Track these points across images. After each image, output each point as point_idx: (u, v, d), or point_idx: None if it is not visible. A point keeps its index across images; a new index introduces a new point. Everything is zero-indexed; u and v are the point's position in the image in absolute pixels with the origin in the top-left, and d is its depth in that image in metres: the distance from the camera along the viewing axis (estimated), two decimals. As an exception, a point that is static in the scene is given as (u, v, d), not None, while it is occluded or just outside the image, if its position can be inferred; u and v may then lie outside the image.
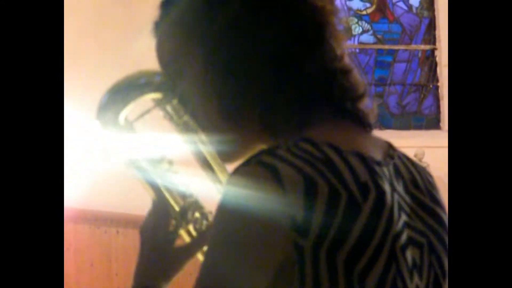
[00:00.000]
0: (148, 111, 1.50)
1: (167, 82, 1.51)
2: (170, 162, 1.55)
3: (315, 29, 1.31)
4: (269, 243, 1.13)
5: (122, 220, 6.32)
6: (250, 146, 1.38)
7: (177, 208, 1.51)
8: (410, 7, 8.63)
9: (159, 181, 1.52)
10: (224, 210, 1.16)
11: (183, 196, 1.53)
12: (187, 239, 1.50)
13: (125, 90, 1.53)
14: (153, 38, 1.47)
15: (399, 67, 8.41)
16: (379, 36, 8.59)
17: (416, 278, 1.24)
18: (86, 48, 7.28)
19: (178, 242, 1.48)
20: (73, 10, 6.88)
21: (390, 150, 1.35)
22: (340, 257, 1.11)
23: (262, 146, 1.35)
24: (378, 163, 1.25)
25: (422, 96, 8.49)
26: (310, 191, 1.12)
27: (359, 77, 1.35)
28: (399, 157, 1.36)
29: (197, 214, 1.52)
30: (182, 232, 1.51)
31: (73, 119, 5.70)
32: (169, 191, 1.53)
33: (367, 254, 1.14)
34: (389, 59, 8.50)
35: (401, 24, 8.70)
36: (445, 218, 1.40)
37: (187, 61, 1.40)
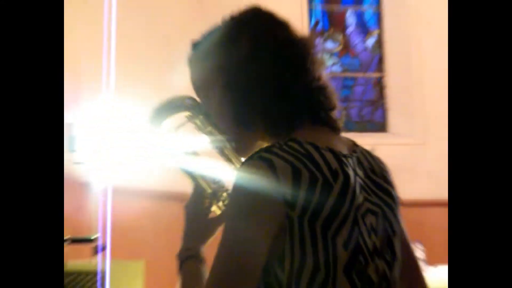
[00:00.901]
0: (182, 125, 1.84)
1: (195, 103, 1.82)
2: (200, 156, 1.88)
3: (300, 60, 1.65)
4: (268, 214, 1.44)
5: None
6: (255, 144, 1.70)
7: (209, 190, 1.80)
8: (366, 47, 9.82)
9: (196, 172, 1.82)
10: (236, 190, 1.49)
11: (213, 181, 1.81)
12: (218, 212, 1.80)
13: (164, 109, 1.85)
14: (188, 71, 1.81)
15: (358, 89, 9.88)
16: (344, 67, 9.97)
17: (373, 237, 1.56)
18: (140, 72, 7.88)
19: (211, 215, 1.81)
20: (126, 53, 7.61)
21: (354, 146, 1.68)
22: (318, 223, 1.44)
23: (262, 144, 1.66)
24: (345, 156, 1.55)
25: (374, 109, 9.75)
26: (296, 177, 1.44)
27: (333, 92, 1.68)
28: (361, 151, 1.68)
29: (224, 194, 1.80)
30: (214, 207, 1.80)
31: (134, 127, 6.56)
32: (203, 178, 1.82)
33: (337, 220, 1.46)
34: (351, 83, 9.89)
35: (359, 59, 9.99)
36: (394, 193, 1.72)
37: (211, 87, 1.71)
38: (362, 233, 1.52)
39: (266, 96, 1.60)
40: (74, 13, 6.81)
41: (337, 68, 9.79)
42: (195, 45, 1.77)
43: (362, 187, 1.57)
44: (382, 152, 1.75)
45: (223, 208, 1.78)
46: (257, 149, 1.56)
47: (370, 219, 1.57)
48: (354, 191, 1.51)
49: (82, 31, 6.98)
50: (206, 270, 1.63)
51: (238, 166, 1.71)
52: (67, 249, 5.00)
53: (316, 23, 9.93)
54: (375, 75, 9.81)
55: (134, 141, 6.55)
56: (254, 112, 1.62)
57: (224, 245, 1.46)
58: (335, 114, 1.67)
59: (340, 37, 9.94)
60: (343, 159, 1.53)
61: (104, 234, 6.30)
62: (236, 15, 1.73)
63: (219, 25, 1.74)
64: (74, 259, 5.36)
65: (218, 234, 1.67)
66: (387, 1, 9.71)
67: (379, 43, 9.76)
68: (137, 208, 7.22)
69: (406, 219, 1.76)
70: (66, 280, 4.94)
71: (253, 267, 1.45)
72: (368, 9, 10.04)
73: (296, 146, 1.49)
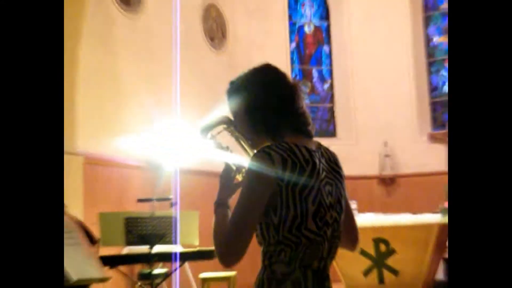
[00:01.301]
0: (220, 132, 2.40)
1: (229, 119, 2.33)
2: (231, 150, 2.37)
3: (291, 96, 2.18)
4: (265, 184, 2.01)
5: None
6: (261, 144, 2.17)
7: (234, 168, 2.32)
8: (323, 89, 13.84)
9: (227, 159, 2.34)
10: (249, 169, 2.06)
11: (236, 164, 2.33)
12: (239, 179, 2.29)
13: (210, 122, 2.37)
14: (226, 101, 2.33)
15: (319, 113, 13.64)
16: (311, 101, 13.47)
17: (330, 198, 2.12)
18: (198, 98, 9.98)
19: (235, 181, 2.32)
20: (188, 94, 10.14)
21: (319, 145, 2.21)
22: (296, 189, 2.01)
23: (265, 143, 2.13)
24: (313, 151, 2.10)
25: (328, 124, 13.54)
26: (284, 162, 2.00)
27: (309, 115, 2.21)
28: (323, 148, 2.22)
29: (243, 170, 2.29)
30: (237, 176, 2.31)
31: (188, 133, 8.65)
32: (231, 162, 2.33)
33: (308, 188, 2.03)
34: (315, 110, 13.47)
35: (319, 96, 13.82)
36: (342, 172, 2.25)
37: (239, 111, 2.26)
38: (323, 195, 2.09)
39: (270, 118, 2.17)
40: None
41: (307, 101, 12.77)
42: (232, 84, 2.30)
43: (323, 169, 2.13)
44: (334, 149, 2.30)
45: (241, 177, 2.27)
46: (262, 146, 2.10)
47: (328, 187, 2.13)
48: (318, 171, 2.09)
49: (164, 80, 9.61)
50: (230, 213, 2.16)
51: (251, 155, 2.18)
52: (157, 203, 7.34)
53: (295, 76, 13.32)
54: (328, 105, 13.84)
55: (195, 142, 7.21)
56: (262, 127, 2.19)
57: (239, 201, 2.06)
58: (310, 127, 2.22)
59: (308, 83, 13.71)
60: (312, 153, 2.11)
61: (175, 195, 8.68)
62: (255, 67, 2.28)
63: (245, 72, 2.28)
64: (161, 210, 7.39)
65: (238, 192, 2.14)
66: (336, 62, 13.79)
67: (331, 86, 13.84)
68: (194, 181, 9.82)
69: (348, 187, 2.28)
70: (156, 222, 6.63)
71: (253, 214, 2.05)
72: (324, 68, 13.91)
73: (285, 145, 2.06)
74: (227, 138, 2.40)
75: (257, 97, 2.20)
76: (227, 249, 2.09)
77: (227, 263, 2.09)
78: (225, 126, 2.33)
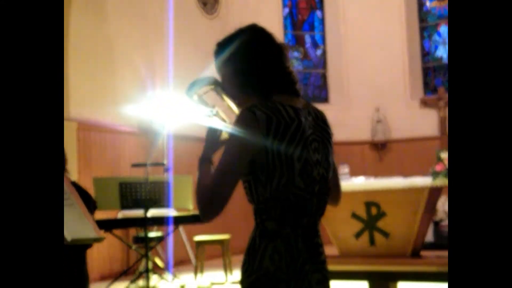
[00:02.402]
0: (206, 92, 2.42)
1: (216, 80, 2.35)
2: (217, 111, 2.38)
3: (277, 57, 2.22)
4: (250, 144, 2.03)
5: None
6: (248, 102, 2.16)
7: (221, 123, 2.33)
8: (316, 55, 13.91)
9: (212, 117, 2.35)
10: (233, 129, 2.08)
11: (222, 122, 2.34)
12: (225, 136, 2.26)
13: (197, 83, 2.38)
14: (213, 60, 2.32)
15: (312, 79, 13.73)
16: (304, 66, 13.66)
17: (316, 154, 2.15)
18: (191, 64, 9.36)
19: (222, 139, 2.29)
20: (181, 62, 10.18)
21: (307, 104, 2.25)
22: (282, 148, 2.04)
23: (252, 102, 2.13)
24: (299, 109, 2.16)
25: (321, 90, 13.65)
26: (268, 121, 2.03)
27: (295, 74, 2.23)
28: (312, 107, 2.26)
29: (228, 128, 2.25)
30: (224, 134, 2.28)
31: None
32: (217, 120, 2.34)
33: (294, 143, 2.07)
34: (308, 75, 13.65)
35: (312, 62, 13.92)
36: (330, 130, 2.28)
37: (226, 70, 2.28)
38: (309, 152, 2.13)
39: (257, 77, 2.19)
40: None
41: (300, 67, 13.79)
42: (218, 46, 2.31)
43: (310, 127, 2.17)
44: (327, 113, 2.32)
45: (227, 136, 2.23)
46: (247, 105, 2.12)
47: (314, 144, 2.17)
48: (304, 129, 2.12)
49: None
50: (213, 169, 2.18)
51: (237, 113, 2.17)
52: (151, 168, 7.41)
53: (288, 42, 13.35)
54: (321, 71, 14.04)
55: (184, 107, 8.37)
56: (249, 87, 2.22)
57: (221, 159, 2.10)
58: (297, 86, 2.24)
59: (301, 49, 13.84)
60: (298, 111, 2.15)
61: (169, 160, 9.19)
62: (242, 28, 2.30)
63: (232, 33, 2.29)
64: (154, 175, 7.71)
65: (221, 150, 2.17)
66: (328, 28, 13.82)
67: (324, 53, 13.96)
68: (187, 146, 10.02)
69: (340, 152, 2.27)
70: (150, 186, 7.01)
71: (234, 172, 2.09)
72: (317, 33, 13.98)
73: (270, 104, 2.10)
74: (214, 97, 2.40)
75: (243, 58, 2.21)
76: (207, 204, 2.09)
77: (207, 218, 2.09)
78: (212, 86, 2.34)
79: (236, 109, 2.27)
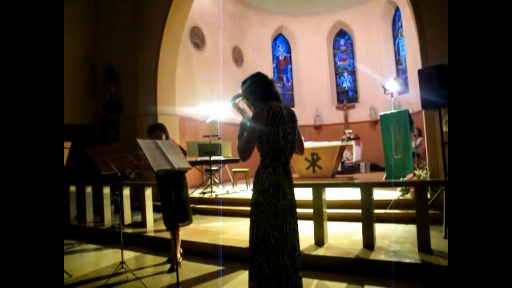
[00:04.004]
0: (239, 101, 2.15)
1: (243, 95, 2.07)
2: (244, 108, 2.10)
3: (269, 85, 2.01)
4: (260, 124, 1.84)
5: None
6: (257, 105, 1.95)
7: (245, 116, 2.05)
8: (288, 85, 13.03)
9: (242, 113, 2.07)
10: (252, 117, 1.87)
11: (247, 115, 2.07)
12: (248, 122, 1.94)
13: (237, 96, 2.13)
14: (241, 87, 2.09)
15: (287, 97, 12.81)
16: (282, 90, 12.60)
17: (289, 130, 1.95)
18: (229, 89, 9.48)
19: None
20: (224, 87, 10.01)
21: (286, 105, 2.02)
22: (273, 125, 1.87)
23: (259, 105, 1.93)
24: (282, 108, 1.95)
25: (290, 101, 12.58)
26: (268, 113, 1.87)
27: (280, 94, 2.04)
28: (287, 107, 2.02)
29: (249, 117, 1.99)
30: (247, 121, 1.98)
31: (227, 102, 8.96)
32: (244, 114, 2.08)
33: (279, 124, 1.90)
34: (284, 95, 12.65)
35: (287, 88, 12.92)
36: (296, 119, 2.03)
37: (247, 91, 2.04)
38: (285, 128, 1.95)
39: (260, 94, 1.97)
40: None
41: (281, 90, 11.18)
42: (243, 81, 2.04)
43: (286, 116, 1.97)
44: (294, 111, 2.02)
45: (248, 121, 1.92)
46: (257, 106, 1.91)
47: (289, 124, 1.97)
48: (284, 117, 1.92)
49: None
50: (244, 136, 1.90)
51: (253, 110, 1.94)
52: (212, 138, 7.70)
53: (275, 78, 12.68)
54: (291, 92, 13.20)
55: (229, 107, 7.44)
56: (258, 99, 1.98)
57: (248, 131, 1.86)
58: (280, 98, 2.04)
59: (281, 82, 13.12)
60: (281, 109, 1.93)
61: (219, 134, 8.51)
62: (253, 73, 2.02)
63: (249, 76, 2.03)
64: (213, 140, 7.88)
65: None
66: (294, 72, 13.15)
67: (292, 84, 13.26)
68: (228, 127, 9.19)
69: (301, 130, 1.97)
70: (211, 145, 6.81)
71: (254, 137, 1.86)
72: (289, 74, 13.31)
73: (268, 105, 1.89)
74: (242, 104, 2.27)
75: (254, 85, 2.09)
76: (242, 152, 1.97)
77: (242, 159, 1.98)
78: (241, 97, 2.18)
79: (253, 108, 2.13)
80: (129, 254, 4.15)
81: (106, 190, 5.78)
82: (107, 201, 5.72)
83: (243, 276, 3.18)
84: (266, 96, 2.04)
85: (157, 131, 3.51)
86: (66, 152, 3.32)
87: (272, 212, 1.93)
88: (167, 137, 3.59)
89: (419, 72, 3.70)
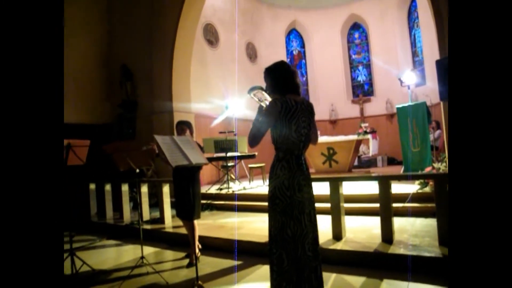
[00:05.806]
0: (257, 92, 2.08)
1: (261, 87, 2.03)
2: (263, 100, 2.06)
3: (292, 75, 1.96)
4: (274, 115, 1.83)
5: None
6: (274, 97, 1.93)
7: (264, 105, 2.04)
8: (303, 79, 12.88)
9: (261, 102, 2.04)
10: (267, 107, 1.87)
11: (264, 104, 2.06)
12: (264, 110, 1.96)
13: (253, 88, 2.06)
14: (263, 78, 2.07)
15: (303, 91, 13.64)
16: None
17: (304, 124, 1.90)
18: (243, 84, 9.49)
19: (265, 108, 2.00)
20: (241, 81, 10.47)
21: (303, 99, 1.96)
22: (286, 119, 1.85)
23: (275, 97, 1.92)
24: (298, 102, 1.91)
25: (306, 95, 12.55)
26: (282, 106, 1.84)
27: (300, 84, 1.98)
28: (306, 100, 1.99)
29: (266, 107, 2.00)
30: (264, 106, 2.02)
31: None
32: (262, 102, 2.06)
33: (294, 119, 1.86)
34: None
35: (302, 83, 13.55)
36: (313, 112, 1.99)
37: (269, 81, 2.00)
38: (299, 122, 1.91)
39: (281, 85, 1.93)
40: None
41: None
42: (265, 69, 1.99)
43: (302, 110, 1.93)
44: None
45: (265, 109, 1.93)
46: (273, 98, 1.91)
47: (303, 118, 1.93)
48: (298, 111, 1.88)
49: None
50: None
51: (271, 100, 1.93)
52: (228, 134, 7.47)
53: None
54: (305, 87, 13.08)
55: (241, 105, 8.64)
56: (278, 90, 1.94)
57: (260, 120, 1.85)
58: (299, 90, 1.99)
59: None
60: (297, 103, 1.89)
61: (235, 129, 8.58)
62: (275, 62, 2.01)
63: (271, 64, 1.99)
64: (229, 136, 7.13)
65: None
66: (308, 67, 13.03)
67: (306, 78, 13.14)
68: (244, 123, 9.18)
69: (317, 124, 2.02)
70: (227, 141, 6.75)
71: (264, 127, 1.83)
72: (303, 69, 13.16)
73: (285, 98, 1.85)
74: (258, 96, 2.23)
75: (275, 75, 2.05)
76: (250, 138, 1.97)
77: (250, 146, 1.98)
78: (260, 89, 2.14)
79: (270, 99, 2.11)
80: (148, 250, 4.22)
81: (125, 187, 5.85)
82: (125, 198, 5.80)
83: (261, 270, 3.20)
84: (285, 85, 2.01)
85: (183, 125, 3.62)
86: (85, 151, 3.39)
87: (288, 204, 1.93)
88: (191, 133, 3.66)
89: (437, 62, 3.60)
